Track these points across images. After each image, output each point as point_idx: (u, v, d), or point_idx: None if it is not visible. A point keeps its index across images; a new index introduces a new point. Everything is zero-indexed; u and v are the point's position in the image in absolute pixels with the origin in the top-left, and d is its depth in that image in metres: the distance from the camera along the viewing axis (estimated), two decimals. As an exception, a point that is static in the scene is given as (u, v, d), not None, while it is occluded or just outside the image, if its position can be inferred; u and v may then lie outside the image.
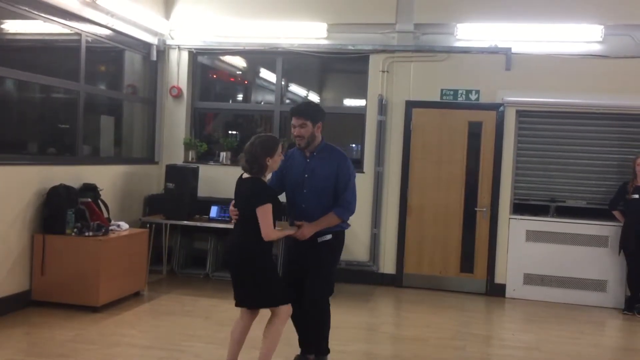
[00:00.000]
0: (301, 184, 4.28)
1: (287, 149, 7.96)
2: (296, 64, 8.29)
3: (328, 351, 4.52)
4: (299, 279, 4.29)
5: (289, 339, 4.56)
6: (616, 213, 7.07)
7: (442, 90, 7.57)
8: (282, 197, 4.34)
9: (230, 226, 7.22)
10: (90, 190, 6.43)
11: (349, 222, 4.46)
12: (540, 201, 7.54)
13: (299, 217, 4.27)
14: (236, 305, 4.06)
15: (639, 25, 7.12)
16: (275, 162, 4.01)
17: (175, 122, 8.27)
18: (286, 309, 4.02)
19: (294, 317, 4.26)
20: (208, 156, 8.30)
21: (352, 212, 4.32)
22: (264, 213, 3.85)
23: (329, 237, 4.27)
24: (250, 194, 3.92)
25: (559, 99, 7.25)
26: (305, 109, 4.33)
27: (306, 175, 4.28)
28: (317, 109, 4.39)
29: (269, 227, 3.88)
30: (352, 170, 4.36)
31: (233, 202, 4.11)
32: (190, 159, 8.19)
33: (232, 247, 4.05)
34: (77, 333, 5.18)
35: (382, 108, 7.68)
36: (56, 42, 6.74)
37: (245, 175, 4.01)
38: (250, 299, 4.00)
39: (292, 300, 4.08)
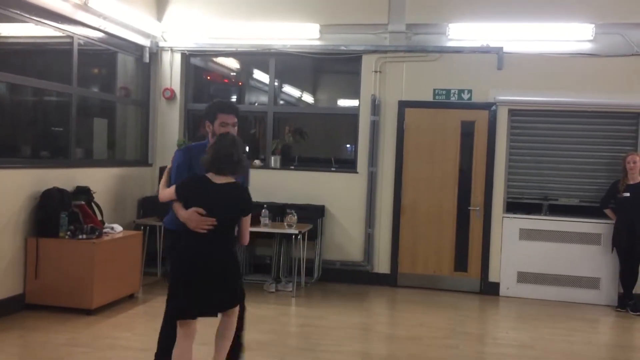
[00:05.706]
0: None
1: (280, 149, 8.09)
2: (289, 64, 8.30)
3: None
4: None
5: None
6: (608, 211, 7.11)
7: (434, 90, 7.59)
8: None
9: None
10: (84, 193, 6.43)
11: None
12: (533, 199, 7.57)
13: None
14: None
15: (630, 24, 7.15)
16: None
17: (169, 124, 8.27)
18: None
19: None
20: (201, 158, 8.28)
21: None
22: (247, 221, 3.84)
23: None
24: (239, 200, 3.74)
25: (550, 97, 7.29)
26: None
27: None
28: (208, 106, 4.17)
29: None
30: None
31: (199, 209, 3.63)
32: (183, 161, 8.15)
33: (214, 258, 3.69)
34: (71, 336, 5.17)
35: (375, 108, 7.70)
36: (48, 45, 6.73)
37: (222, 180, 3.68)
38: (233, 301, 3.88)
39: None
